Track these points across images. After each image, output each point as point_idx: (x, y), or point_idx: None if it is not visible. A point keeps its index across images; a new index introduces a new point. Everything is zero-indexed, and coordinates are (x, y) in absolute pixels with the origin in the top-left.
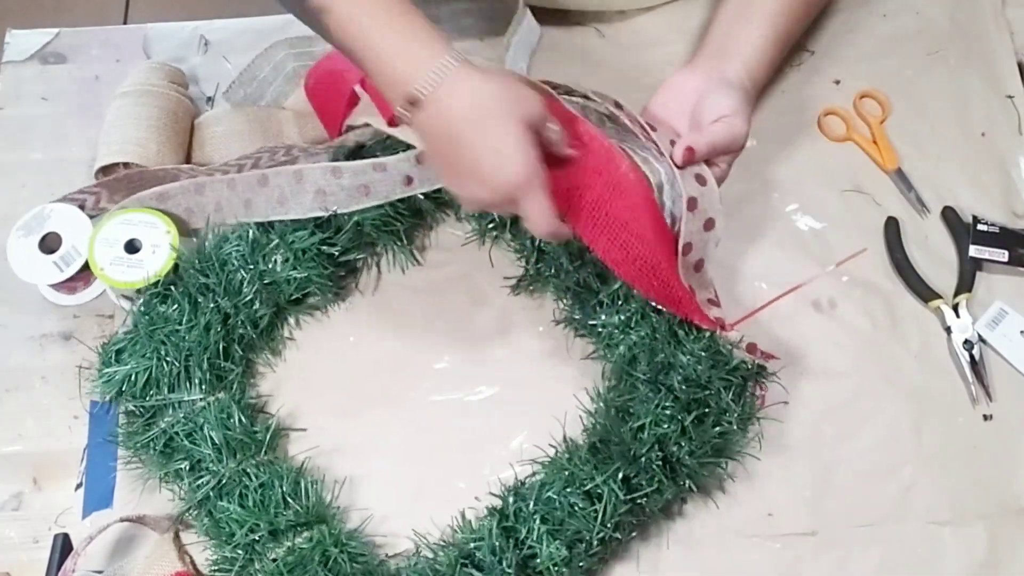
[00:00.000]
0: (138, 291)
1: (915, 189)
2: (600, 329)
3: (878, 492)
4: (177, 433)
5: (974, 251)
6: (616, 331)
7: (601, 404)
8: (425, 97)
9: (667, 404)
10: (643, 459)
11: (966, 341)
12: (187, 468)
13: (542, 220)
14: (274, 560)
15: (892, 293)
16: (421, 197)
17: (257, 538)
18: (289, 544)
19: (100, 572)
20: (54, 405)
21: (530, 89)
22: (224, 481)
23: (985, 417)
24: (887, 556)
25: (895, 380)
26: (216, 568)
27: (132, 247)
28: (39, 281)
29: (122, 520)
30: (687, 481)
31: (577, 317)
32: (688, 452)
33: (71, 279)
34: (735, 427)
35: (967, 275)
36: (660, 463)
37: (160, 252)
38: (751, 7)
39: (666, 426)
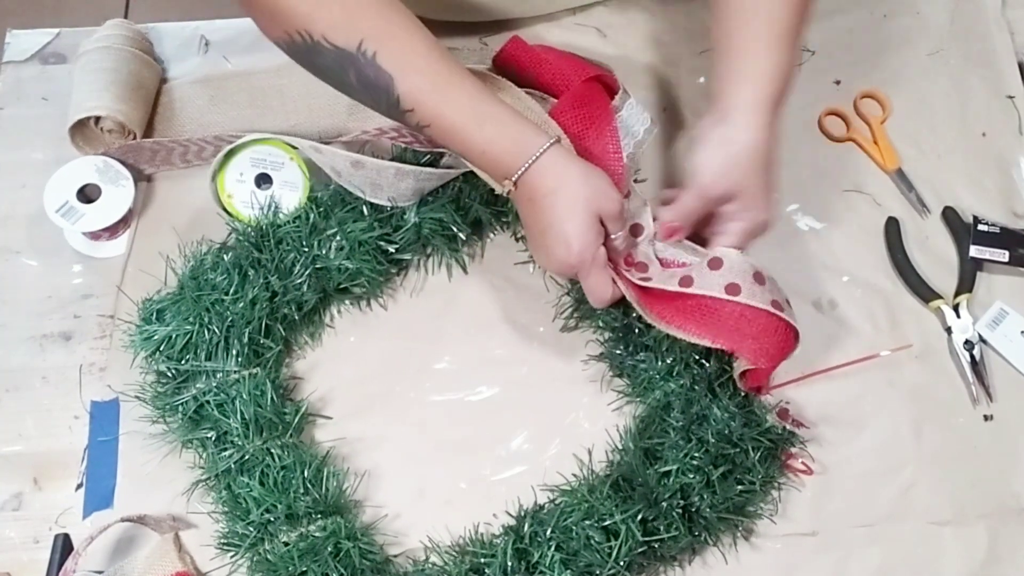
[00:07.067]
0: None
1: (915, 189)
2: (641, 372)
3: (878, 492)
4: (208, 402)
5: (974, 251)
6: (656, 376)
7: (630, 443)
8: (520, 177)
9: (696, 455)
10: (664, 504)
11: (966, 341)
12: (213, 439)
13: (594, 296)
14: (286, 544)
15: (892, 293)
16: (481, 208)
17: (272, 519)
18: (303, 530)
19: (100, 572)
20: (54, 405)
21: (614, 189)
22: (247, 457)
23: (985, 417)
24: (887, 556)
25: (895, 380)
26: (226, 541)
27: (262, 181)
28: (70, 228)
29: (123, 520)
30: (704, 533)
31: (618, 353)
32: (709, 505)
33: (99, 229)
34: (758, 488)
35: (967, 275)
36: (680, 511)
37: (291, 187)
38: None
39: (692, 476)
